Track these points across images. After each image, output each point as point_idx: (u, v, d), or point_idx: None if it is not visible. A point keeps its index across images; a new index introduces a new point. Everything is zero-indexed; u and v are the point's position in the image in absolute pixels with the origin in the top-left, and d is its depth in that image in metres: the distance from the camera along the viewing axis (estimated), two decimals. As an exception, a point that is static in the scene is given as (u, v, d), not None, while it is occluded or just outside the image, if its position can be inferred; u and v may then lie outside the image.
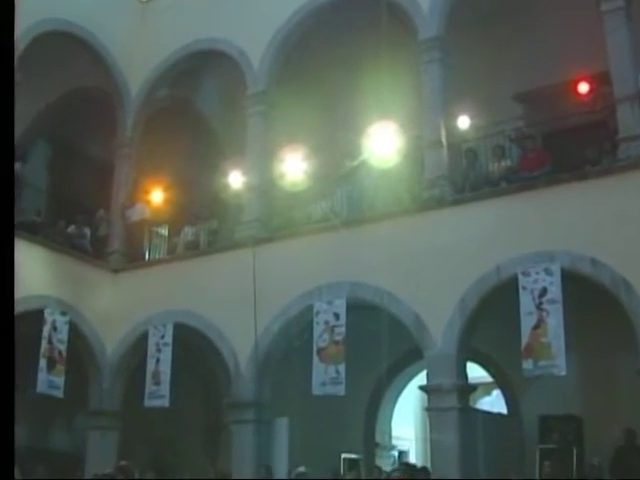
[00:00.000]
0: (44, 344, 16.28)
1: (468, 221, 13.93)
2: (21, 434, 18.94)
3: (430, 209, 14.43)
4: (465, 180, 15.12)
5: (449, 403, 13.49)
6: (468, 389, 14.05)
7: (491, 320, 14.00)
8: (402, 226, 14.51)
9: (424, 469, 14.71)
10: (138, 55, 19.42)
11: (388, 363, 17.94)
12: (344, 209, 16.03)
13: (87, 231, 18.77)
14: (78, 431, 19.06)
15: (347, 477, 14.30)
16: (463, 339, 13.67)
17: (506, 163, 14.87)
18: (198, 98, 20.11)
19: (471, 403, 14.99)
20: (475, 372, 16.54)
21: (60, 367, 16.45)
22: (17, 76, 16.60)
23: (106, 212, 19.30)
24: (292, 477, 14.52)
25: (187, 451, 18.59)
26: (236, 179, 17.74)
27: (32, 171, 18.78)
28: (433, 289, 13.85)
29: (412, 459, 20.73)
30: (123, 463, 9.48)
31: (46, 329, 16.37)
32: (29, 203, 18.26)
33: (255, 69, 17.57)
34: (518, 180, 14.17)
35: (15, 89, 16.21)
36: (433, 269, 13.89)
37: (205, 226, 18.07)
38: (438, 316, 13.77)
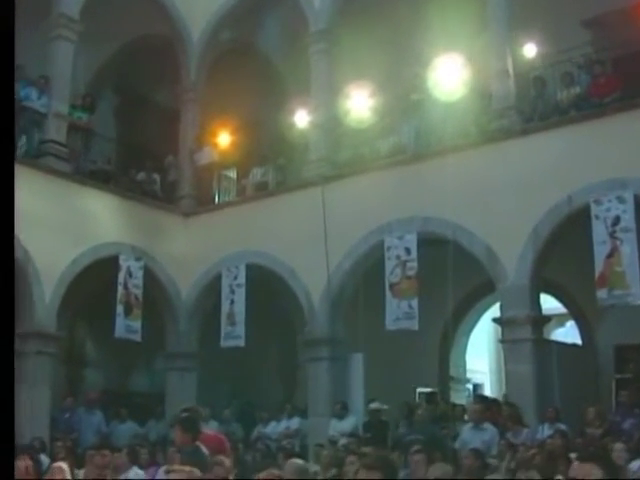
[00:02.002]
0: (120, 290, 16.62)
1: (538, 151, 13.74)
2: (103, 379, 19.49)
3: (499, 140, 14.26)
4: (533, 109, 14.88)
5: (523, 335, 13.46)
6: (542, 320, 13.99)
7: (564, 250, 13.88)
8: (471, 158, 14.38)
9: (497, 401, 14.81)
10: (198, -1, 19.42)
11: (460, 296, 18.00)
12: (412, 143, 15.91)
13: (157, 177, 19.01)
14: (157, 373, 19.50)
15: (422, 411, 14.39)
16: (536, 270, 13.59)
17: (575, 90, 14.56)
18: (260, 39, 20.02)
19: (545, 334, 14.90)
20: (549, 303, 16.47)
21: (137, 312, 16.80)
22: (81, 27, 16.82)
23: (174, 157, 19.48)
24: (368, 412, 14.70)
25: (264, 389, 18.87)
26: (302, 118, 17.71)
27: (100, 121, 18.98)
28: (504, 221, 13.74)
29: (487, 392, 20.81)
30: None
31: (121, 275, 16.70)
32: (99, 152, 18.55)
33: (316, 6, 17.39)
34: (588, 107, 13.90)
35: (79, 41, 16.40)
36: (504, 201, 13.76)
37: (273, 166, 18.11)
38: (510, 248, 13.70)
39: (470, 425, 12.73)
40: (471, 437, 12.32)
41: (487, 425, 12.57)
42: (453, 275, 16.32)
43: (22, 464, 8.14)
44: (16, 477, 7.88)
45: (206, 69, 19.55)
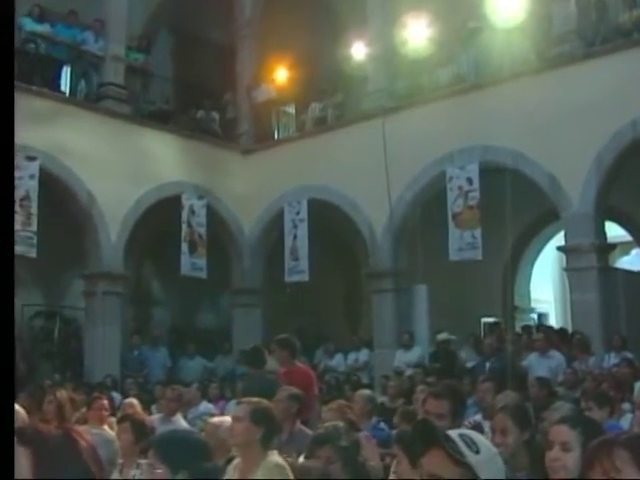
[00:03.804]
0: (184, 228, 16.80)
1: (600, 76, 13.44)
2: (170, 317, 19.84)
3: (560, 66, 13.98)
4: (595, 33, 14.51)
5: (588, 263, 13.36)
6: (607, 248, 13.88)
7: (629, 176, 13.65)
8: (532, 86, 14.14)
9: (563, 330, 14.77)
10: None
11: (524, 225, 17.88)
12: (471, 72, 15.69)
13: (215, 115, 19.03)
14: (223, 310, 19.79)
15: (488, 341, 14.42)
16: (600, 197, 13.41)
17: (638, 12, 14.17)
18: (315, -29, 19.81)
19: (610, 262, 14.76)
20: (613, 231, 16.28)
21: (201, 249, 16.99)
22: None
23: (232, 95, 19.48)
24: (436, 343, 14.77)
25: (329, 323, 19.03)
26: (359, 50, 17.52)
27: (157, 62, 19.06)
28: (567, 148, 13.53)
29: (552, 321, 20.73)
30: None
31: (185, 214, 16.87)
32: (157, 93, 18.63)
33: None
34: (651, 29, 13.57)
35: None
36: (566, 127, 13.54)
37: (332, 100, 17.99)
38: (573, 175, 13.52)
39: (536, 353, 12.73)
40: (538, 365, 12.35)
41: (553, 352, 12.58)
42: (516, 204, 16.21)
43: (97, 402, 8.39)
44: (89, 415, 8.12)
45: (261, 4, 19.39)
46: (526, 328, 16.04)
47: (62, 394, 8.14)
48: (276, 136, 19.64)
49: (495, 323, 16.98)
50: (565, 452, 3.67)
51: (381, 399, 10.85)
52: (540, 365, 12.28)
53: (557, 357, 12.50)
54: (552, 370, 12.06)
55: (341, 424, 5.59)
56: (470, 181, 14.54)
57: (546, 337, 13.27)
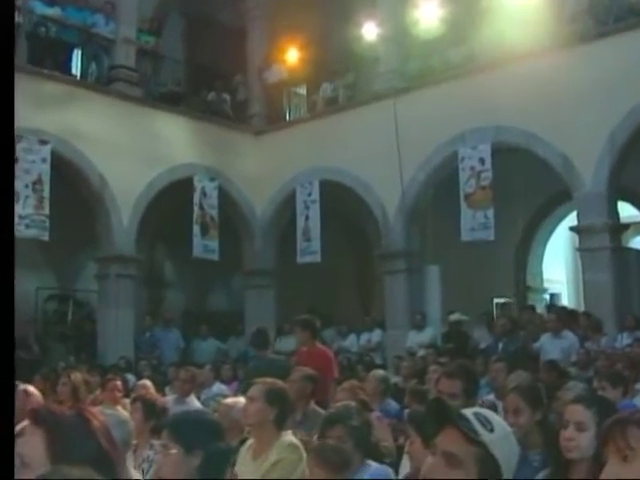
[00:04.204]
0: (196, 210, 16.81)
1: (613, 55, 13.34)
2: (183, 299, 19.91)
3: (572, 45, 13.89)
4: (608, 12, 14.41)
5: (601, 243, 13.33)
6: (620, 228, 13.84)
7: (642, 156, 13.61)
8: (543, 65, 14.05)
9: (574, 311, 14.75)
10: None
11: (536, 205, 17.83)
12: (483, 52, 15.61)
13: (226, 97, 19.01)
14: (235, 292, 19.83)
15: (500, 321, 14.42)
16: (613, 177, 13.35)
17: (651, -10, 14.10)
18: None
19: (623, 243, 14.71)
20: (627, 211, 16.25)
21: (213, 231, 17.00)
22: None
23: (243, 76, 19.45)
24: (448, 323, 14.78)
25: (342, 303, 19.06)
26: (370, 30, 17.46)
27: (168, 44, 19.04)
28: (580, 127, 13.46)
29: (564, 301, 20.71)
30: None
31: (196, 196, 16.87)
32: (168, 75, 18.62)
33: None
34: (664, 7, 13.47)
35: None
36: (579, 107, 13.47)
37: (343, 81, 17.93)
38: (586, 154, 13.46)
39: (549, 334, 12.72)
40: (550, 346, 12.35)
41: (566, 333, 12.57)
42: (528, 184, 16.19)
43: (110, 383, 8.44)
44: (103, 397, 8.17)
45: (270, -15, 19.34)
46: (529, 307, 16.08)
47: (76, 376, 8.19)
48: (287, 117, 19.64)
49: (507, 303, 16.98)
50: (580, 432, 3.68)
51: (394, 379, 10.86)
52: (553, 346, 12.28)
53: (570, 337, 12.50)
54: (565, 351, 12.06)
55: (352, 404, 5.60)
56: (482, 161, 14.49)
57: (558, 317, 13.26)
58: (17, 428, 2.71)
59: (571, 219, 15.84)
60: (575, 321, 13.49)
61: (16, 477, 2.51)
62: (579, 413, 3.75)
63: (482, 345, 13.93)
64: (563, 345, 12.26)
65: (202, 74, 19.51)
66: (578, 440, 3.67)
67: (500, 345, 13.29)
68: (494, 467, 2.39)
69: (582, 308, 14.60)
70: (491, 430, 2.40)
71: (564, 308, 16.09)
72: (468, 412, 2.46)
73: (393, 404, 8.85)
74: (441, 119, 15.06)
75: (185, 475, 3.93)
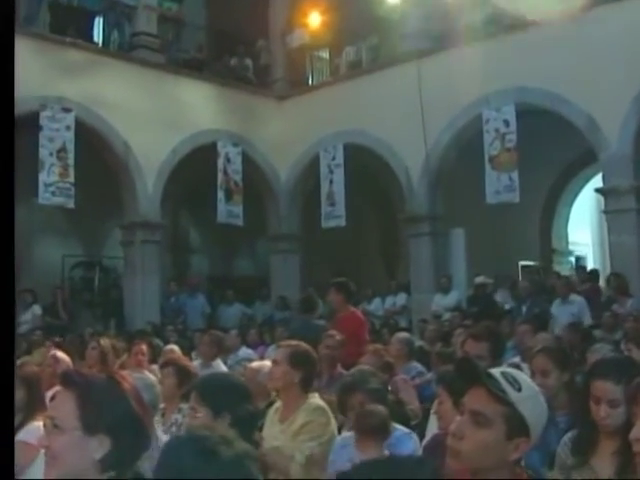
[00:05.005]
0: (220, 176, 16.81)
1: (639, 13, 13.19)
2: (208, 264, 19.99)
3: (597, 5, 13.68)
4: (635, -30, 14.24)
5: (627, 204, 13.20)
6: (646, 190, 13.72)
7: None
8: (568, 25, 13.85)
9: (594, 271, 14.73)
10: None
11: (561, 167, 17.71)
12: (506, 12, 15.44)
13: (249, 62, 18.94)
14: (261, 257, 19.89)
15: (523, 284, 14.41)
16: (639, 138, 13.21)
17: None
18: None
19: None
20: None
21: (237, 197, 17.00)
22: None
23: (266, 41, 19.35)
24: (474, 286, 14.76)
25: (367, 267, 19.07)
26: (392, -8, 17.32)
27: (190, 10, 19.01)
28: (605, 88, 13.30)
29: (590, 264, 20.62)
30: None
31: (220, 161, 16.87)
32: (190, 41, 18.57)
33: None
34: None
35: None
36: (604, 68, 13.29)
37: (366, 44, 17.82)
38: (612, 115, 13.30)
39: (558, 300, 12.68)
40: (559, 312, 12.32)
41: (573, 297, 12.53)
42: (553, 145, 16.05)
43: (135, 347, 8.51)
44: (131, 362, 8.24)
45: (292, -51, 19.20)
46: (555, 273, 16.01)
47: (105, 342, 8.28)
48: (310, 81, 19.56)
49: (532, 266, 16.92)
50: (613, 409, 3.67)
51: (419, 343, 10.88)
52: (562, 312, 12.23)
53: (578, 301, 12.47)
54: (574, 316, 11.94)
55: (366, 367, 5.64)
56: (507, 123, 14.38)
57: (565, 282, 13.21)
58: (49, 393, 2.75)
59: (597, 181, 15.70)
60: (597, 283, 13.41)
61: (47, 439, 2.56)
62: (610, 392, 3.69)
63: (507, 307, 13.95)
64: (572, 310, 12.21)
65: (224, 40, 19.42)
66: (614, 417, 3.66)
67: (523, 308, 13.29)
68: (522, 426, 2.40)
69: (608, 271, 14.53)
70: (519, 389, 2.40)
71: (584, 268, 16.09)
72: (496, 372, 2.47)
73: (418, 366, 8.88)
74: (465, 81, 14.90)
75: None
